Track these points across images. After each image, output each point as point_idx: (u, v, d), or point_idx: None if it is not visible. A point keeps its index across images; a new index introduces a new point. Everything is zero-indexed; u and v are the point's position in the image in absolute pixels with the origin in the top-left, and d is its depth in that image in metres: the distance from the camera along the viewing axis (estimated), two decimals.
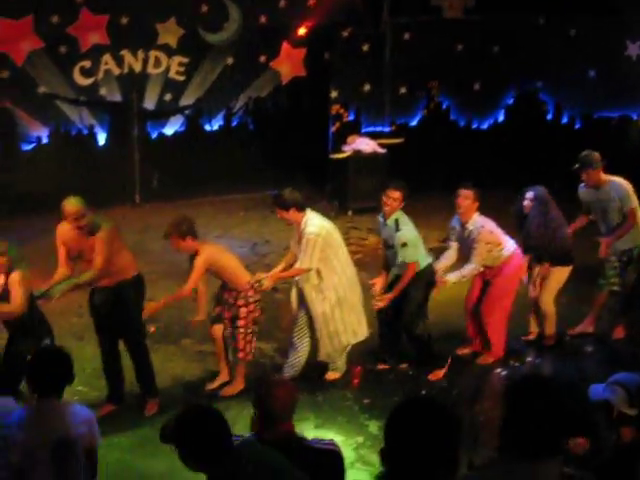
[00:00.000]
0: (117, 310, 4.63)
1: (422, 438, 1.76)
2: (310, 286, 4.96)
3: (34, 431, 2.79)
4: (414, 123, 10.76)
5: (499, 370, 5.23)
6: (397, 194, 5.01)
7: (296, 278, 5.04)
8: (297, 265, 4.93)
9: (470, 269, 5.13)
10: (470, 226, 5.09)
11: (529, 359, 5.40)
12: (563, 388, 1.96)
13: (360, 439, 4.36)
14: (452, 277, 5.19)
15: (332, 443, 2.64)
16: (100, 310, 4.67)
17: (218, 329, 5.12)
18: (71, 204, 4.43)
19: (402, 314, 5.17)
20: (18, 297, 4.29)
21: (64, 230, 4.69)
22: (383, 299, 5.08)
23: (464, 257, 5.30)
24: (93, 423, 2.94)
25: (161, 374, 5.16)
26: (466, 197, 5.02)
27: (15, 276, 4.33)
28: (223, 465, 2.27)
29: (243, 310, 4.95)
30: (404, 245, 4.97)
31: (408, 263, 5.02)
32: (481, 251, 5.03)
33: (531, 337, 5.66)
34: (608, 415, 2.48)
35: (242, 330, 4.94)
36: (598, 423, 2.46)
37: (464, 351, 5.41)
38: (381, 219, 5.25)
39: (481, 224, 5.08)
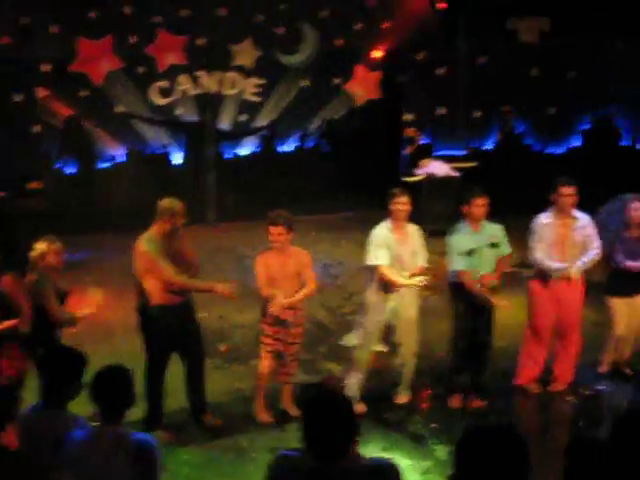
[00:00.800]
0: (192, 326, 4.65)
1: (492, 464, 1.77)
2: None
3: (94, 460, 2.72)
4: (488, 147, 11.22)
5: (569, 398, 5.11)
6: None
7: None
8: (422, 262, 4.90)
9: (592, 255, 4.97)
10: (579, 217, 5.03)
11: (599, 387, 5.22)
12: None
13: (428, 464, 4.31)
14: (575, 269, 4.98)
15: (389, 459, 2.55)
16: (175, 327, 4.54)
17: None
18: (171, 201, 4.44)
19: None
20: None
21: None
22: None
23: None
24: (154, 448, 2.83)
25: (230, 394, 5.24)
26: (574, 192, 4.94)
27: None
28: None
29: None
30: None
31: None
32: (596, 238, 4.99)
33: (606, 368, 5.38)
34: None
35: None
36: None
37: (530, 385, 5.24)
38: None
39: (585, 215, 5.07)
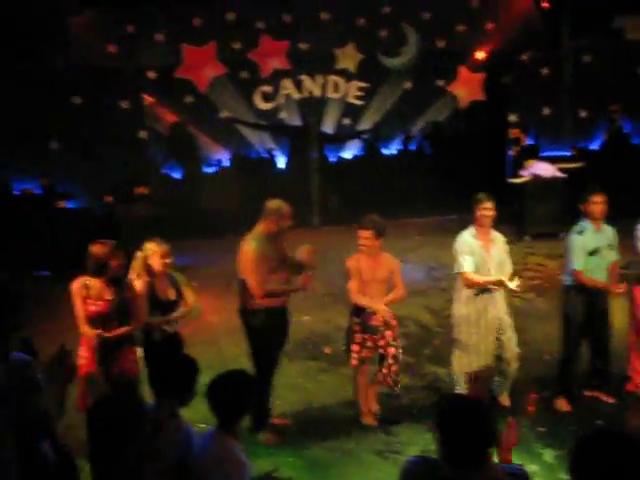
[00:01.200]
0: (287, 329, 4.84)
1: (612, 472, 1.78)
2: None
3: (209, 466, 2.84)
4: (595, 147, 11.32)
5: None
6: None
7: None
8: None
9: None
10: None
11: None
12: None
13: (535, 468, 4.27)
14: None
15: (522, 468, 2.60)
16: (277, 328, 4.75)
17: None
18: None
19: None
20: None
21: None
22: None
23: None
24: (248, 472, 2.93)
25: (335, 396, 5.47)
26: None
27: None
28: None
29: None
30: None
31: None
32: None
33: None
34: None
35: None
36: None
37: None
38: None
39: None
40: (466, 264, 4.86)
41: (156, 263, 4.48)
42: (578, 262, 4.82)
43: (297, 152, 10.81)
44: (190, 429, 2.97)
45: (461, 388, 4.97)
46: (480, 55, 11.05)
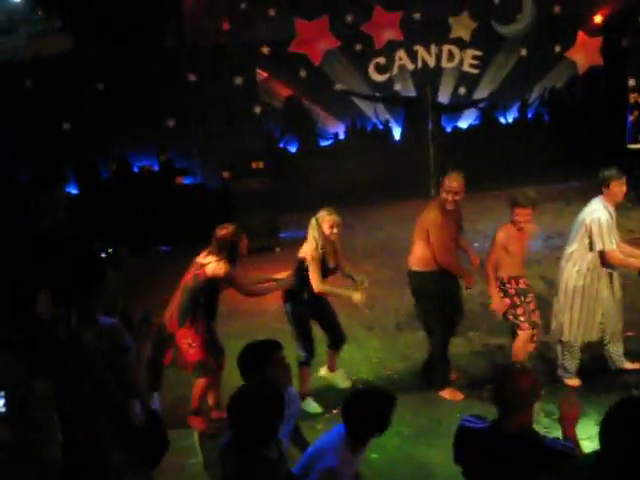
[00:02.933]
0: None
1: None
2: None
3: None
4: None
5: None
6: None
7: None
8: None
9: None
10: None
11: None
12: None
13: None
14: None
15: (572, 447, 3.00)
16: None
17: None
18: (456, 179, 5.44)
19: None
20: None
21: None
22: None
23: None
24: None
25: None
26: None
27: None
28: None
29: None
30: None
31: None
32: None
33: None
34: None
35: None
36: None
37: None
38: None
39: None
40: (610, 241, 5.55)
41: (325, 230, 5.47)
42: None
43: (413, 123, 12.52)
44: None
45: (572, 361, 5.87)
46: (597, 19, 12.65)
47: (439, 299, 5.62)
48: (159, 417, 3.48)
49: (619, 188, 5.57)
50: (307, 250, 5.49)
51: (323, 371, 6.09)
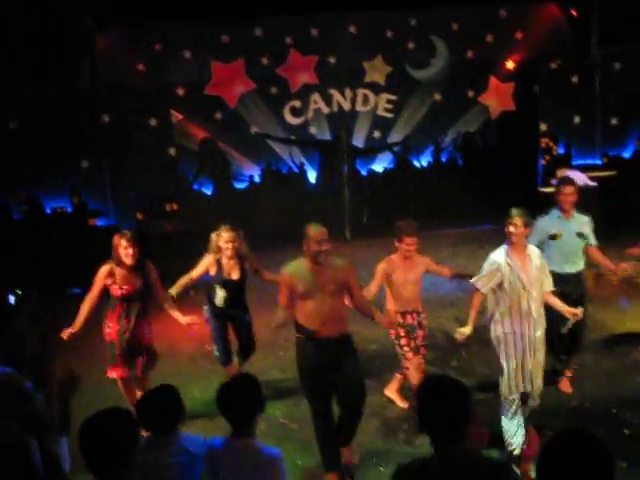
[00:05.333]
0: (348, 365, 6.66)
1: (577, 473, 2.90)
2: None
3: (230, 471, 4.47)
4: (627, 155, 16.23)
5: None
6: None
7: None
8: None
9: None
10: None
11: None
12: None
13: None
14: None
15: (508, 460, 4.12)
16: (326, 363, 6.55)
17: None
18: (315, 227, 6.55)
19: None
20: None
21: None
22: None
23: None
24: (280, 463, 4.54)
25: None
26: None
27: None
28: None
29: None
30: None
31: None
32: None
33: None
34: None
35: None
36: None
37: None
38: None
39: None
40: (480, 282, 6.95)
41: (222, 245, 8.02)
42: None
43: (327, 166, 15.78)
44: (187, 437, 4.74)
45: (510, 414, 6.95)
46: (510, 64, 16.07)
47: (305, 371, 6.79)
48: (58, 464, 4.61)
49: (507, 228, 6.79)
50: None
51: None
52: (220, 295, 8.25)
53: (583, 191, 14.46)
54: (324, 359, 6.48)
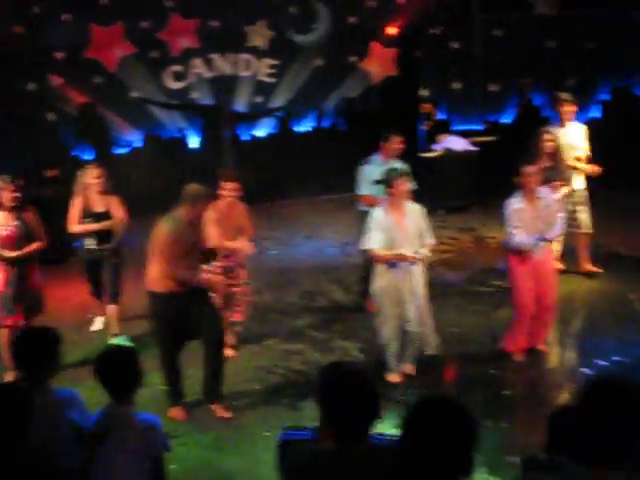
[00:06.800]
0: (203, 310, 8.33)
1: (438, 437, 3.35)
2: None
3: (110, 438, 5.09)
4: (506, 120, 18.82)
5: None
6: None
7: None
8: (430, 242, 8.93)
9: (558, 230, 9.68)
10: (544, 196, 9.36)
11: None
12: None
13: None
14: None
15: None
16: (177, 314, 8.18)
17: None
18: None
19: None
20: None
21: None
22: None
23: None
24: (158, 429, 5.29)
25: (245, 373, 9.56)
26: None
27: None
28: None
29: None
30: None
31: None
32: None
33: None
34: None
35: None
36: None
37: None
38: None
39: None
40: (372, 241, 8.60)
41: (89, 181, 10.14)
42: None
43: (209, 131, 17.94)
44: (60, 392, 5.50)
45: (392, 356, 9.03)
46: (391, 30, 18.53)
47: (160, 321, 8.34)
48: None
49: (403, 186, 8.61)
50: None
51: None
52: (91, 235, 10.24)
53: (463, 156, 17.18)
54: (180, 310, 8.06)
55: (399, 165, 10.51)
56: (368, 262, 10.45)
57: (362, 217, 10.88)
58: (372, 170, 10.91)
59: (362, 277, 11.25)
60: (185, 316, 8.14)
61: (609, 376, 4.08)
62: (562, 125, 12.62)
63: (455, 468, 3.38)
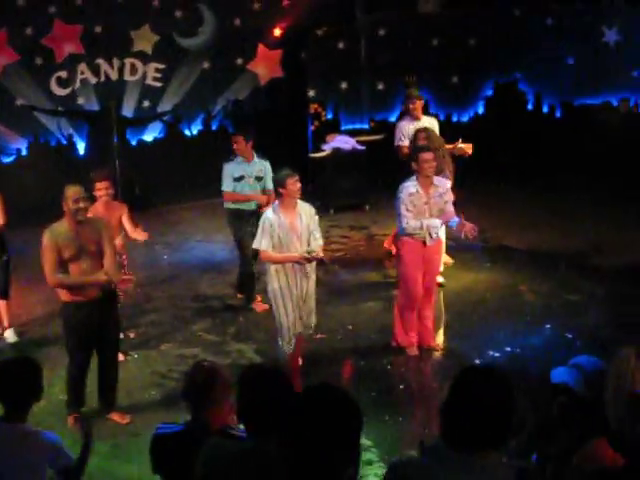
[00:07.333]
0: (107, 320, 8.83)
1: (321, 426, 3.39)
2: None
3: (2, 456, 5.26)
4: (393, 119, 19.97)
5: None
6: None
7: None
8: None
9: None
10: (438, 183, 10.10)
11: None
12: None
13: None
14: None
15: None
16: (92, 324, 8.66)
17: None
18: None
19: None
20: None
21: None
22: None
23: None
24: (60, 447, 5.47)
25: (141, 379, 10.10)
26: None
27: None
28: None
29: None
30: None
31: None
32: None
33: None
34: (569, 398, 4.84)
35: None
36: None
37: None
38: None
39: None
40: (263, 242, 9.14)
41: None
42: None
43: (97, 137, 18.77)
44: None
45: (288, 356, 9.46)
46: (277, 32, 19.58)
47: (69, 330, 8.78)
48: None
49: (294, 186, 9.13)
50: None
51: None
52: None
53: (352, 155, 18.27)
54: (88, 320, 8.50)
55: (260, 163, 12.34)
56: (246, 264, 11.53)
57: (228, 214, 12.64)
58: (234, 167, 12.29)
59: (242, 278, 12.40)
60: (93, 324, 8.61)
61: (476, 365, 4.66)
62: (417, 119, 13.85)
63: (341, 458, 3.44)
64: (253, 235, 9.80)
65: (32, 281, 11.49)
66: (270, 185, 11.76)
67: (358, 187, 18.61)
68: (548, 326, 11.36)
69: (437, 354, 10.71)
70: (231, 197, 12.20)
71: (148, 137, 19.76)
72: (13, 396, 5.31)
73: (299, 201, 9.34)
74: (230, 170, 12.27)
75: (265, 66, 20.12)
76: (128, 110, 19.52)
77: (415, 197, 9.92)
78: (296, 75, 20.08)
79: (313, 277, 9.52)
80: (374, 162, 18.16)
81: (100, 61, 19.18)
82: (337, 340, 10.71)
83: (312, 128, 19.66)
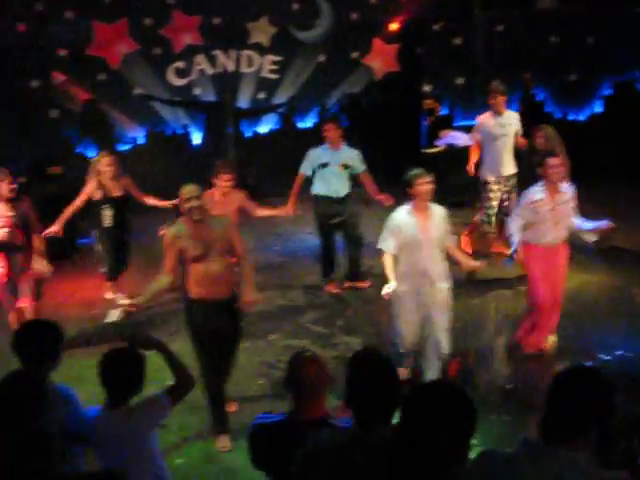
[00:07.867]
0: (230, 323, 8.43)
1: (434, 422, 3.50)
2: None
3: (108, 440, 5.50)
4: None
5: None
6: None
7: None
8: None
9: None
10: (566, 189, 9.71)
11: None
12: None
13: None
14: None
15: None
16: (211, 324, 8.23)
17: None
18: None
19: None
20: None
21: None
22: None
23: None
24: (157, 397, 5.72)
25: (249, 369, 10.00)
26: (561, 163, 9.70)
27: None
28: None
29: None
30: None
31: None
32: None
33: None
34: None
35: None
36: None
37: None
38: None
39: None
40: (387, 242, 8.80)
41: (102, 168, 11.37)
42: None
43: (213, 128, 19.07)
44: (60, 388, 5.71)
45: (406, 363, 9.24)
46: (394, 26, 19.67)
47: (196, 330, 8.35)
48: None
49: (423, 187, 8.56)
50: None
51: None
52: (107, 214, 11.43)
53: (465, 151, 18.24)
54: (213, 321, 7.99)
55: (350, 151, 12.85)
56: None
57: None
58: (321, 154, 12.91)
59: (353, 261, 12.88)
60: (219, 325, 8.19)
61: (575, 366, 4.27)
62: (498, 114, 14.39)
63: (449, 455, 3.53)
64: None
65: (148, 269, 11.29)
66: (360, 170, 12.79)
67: (470, 184, 18.57)
68: None
69: (548, 355, 10.45)
70: (297, 180, 13.30)
71: (262, 129, 20.07)
72: (120, 384, 5.48)
73: (431, 204, 8.81)
74: (315, 155, 12.87)
75: (381, 60, 20.29)
76: (244, 101, 19.86)
77: (539, 204, 9.57)
78: (412, 70, 20.24)
79: (442, 286, 8.93)
80: None
81: (217, 52, 19.58)
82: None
83: (426, 123, 19.71)
